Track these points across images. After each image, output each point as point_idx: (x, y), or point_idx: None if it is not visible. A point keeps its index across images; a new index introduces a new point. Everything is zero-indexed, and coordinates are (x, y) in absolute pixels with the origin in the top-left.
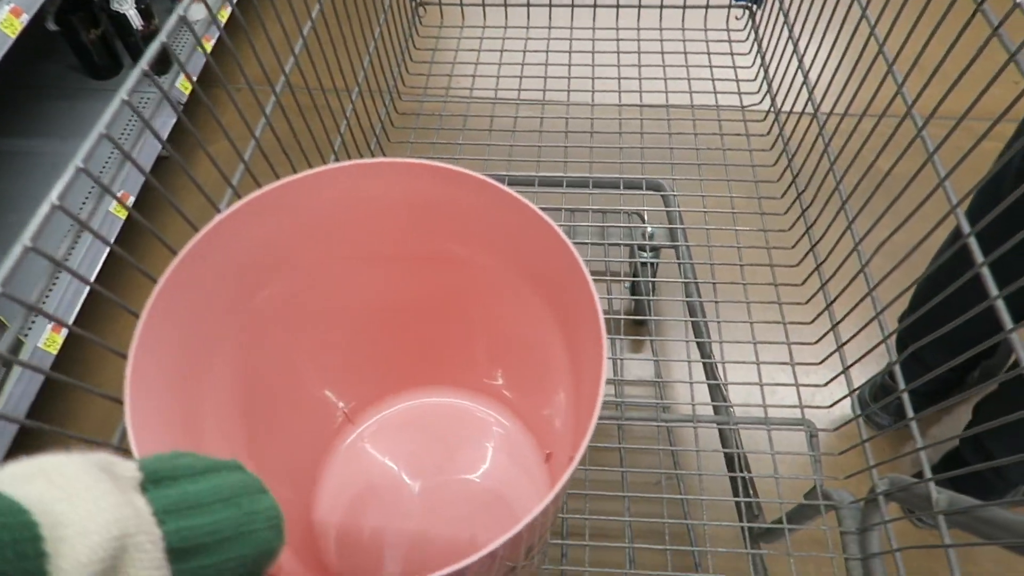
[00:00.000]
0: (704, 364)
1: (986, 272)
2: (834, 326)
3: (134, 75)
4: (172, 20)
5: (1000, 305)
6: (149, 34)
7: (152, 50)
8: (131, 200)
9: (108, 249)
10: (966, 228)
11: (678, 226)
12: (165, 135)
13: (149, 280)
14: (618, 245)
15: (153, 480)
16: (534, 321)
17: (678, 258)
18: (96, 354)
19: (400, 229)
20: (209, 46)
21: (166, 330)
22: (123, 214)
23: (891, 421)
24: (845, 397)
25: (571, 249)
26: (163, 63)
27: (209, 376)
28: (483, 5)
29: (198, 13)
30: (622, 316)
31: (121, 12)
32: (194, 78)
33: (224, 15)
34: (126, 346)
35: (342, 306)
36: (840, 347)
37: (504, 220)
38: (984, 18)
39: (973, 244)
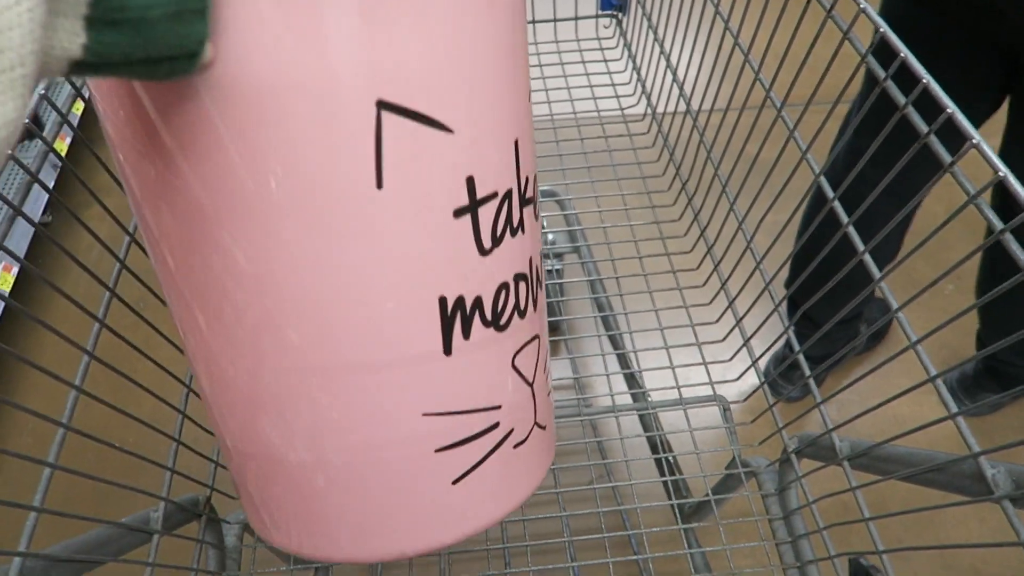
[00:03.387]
0: (618, 356)
1: (852, 231)
2: (731, 303)
3: None
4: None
5: (867, 259)
6: None
7: None
8: (14, 271)
9: None
10: (831, 194)
11: (576, 227)
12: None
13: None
14: None
15: None
16: None
17: (580, 258)
18: None
19: None
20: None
21: None
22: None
23: (795, 389)
24: (749, 368)
25: None
26: None
27: None
28: None
29: None
30: None
31: None
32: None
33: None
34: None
35: None
36: (738, 322)
37: None
38: (819, 3)
39: (837, 207)
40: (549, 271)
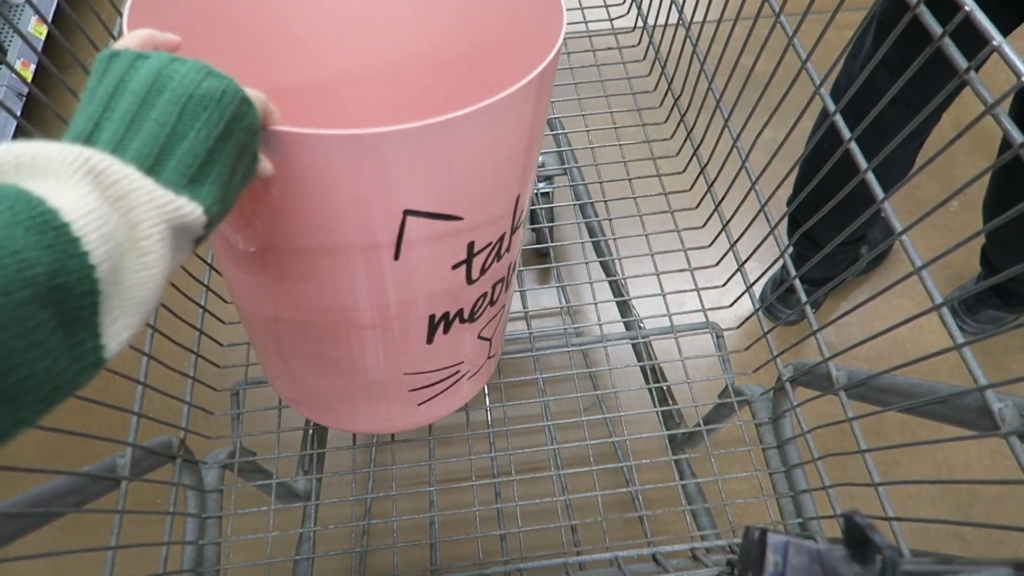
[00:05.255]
0: (609, 283)
1: (854, 147)
2: (725, 226)
3: None
4: None
5: (870, 177)
6: None
7: None
8: None
9: None
10: (831, 106)
11: (565, 148)
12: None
13: None
14: None
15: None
16: None
17: (571, 181)
18: None
19: None
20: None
21: None
22: None
23: (792, 314)
24: (743, 294)
25: None
26: None
27: None
28: None
29: None
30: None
31: None
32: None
33: None
34: None
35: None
36: (733, 245)
37: None
38: None
39: (839, 121)
40: (538, 194)
